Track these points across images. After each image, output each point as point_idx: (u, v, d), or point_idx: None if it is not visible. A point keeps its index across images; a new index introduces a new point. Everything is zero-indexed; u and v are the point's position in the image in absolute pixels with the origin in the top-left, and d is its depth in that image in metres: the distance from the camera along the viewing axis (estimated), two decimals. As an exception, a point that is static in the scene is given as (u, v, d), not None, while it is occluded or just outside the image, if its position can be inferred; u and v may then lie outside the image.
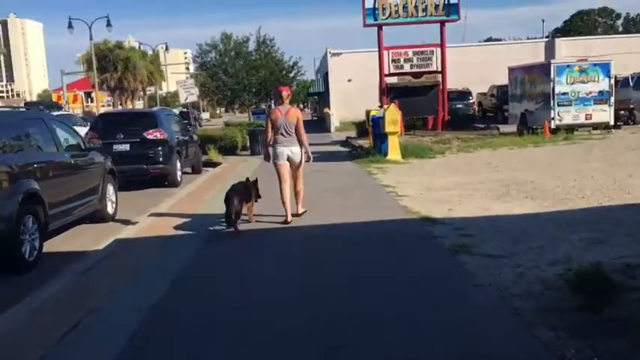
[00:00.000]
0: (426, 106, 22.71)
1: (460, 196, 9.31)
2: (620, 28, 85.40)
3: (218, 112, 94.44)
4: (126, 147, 13.04)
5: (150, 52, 61.19)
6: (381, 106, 21.81)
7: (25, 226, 6.71)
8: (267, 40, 37.65)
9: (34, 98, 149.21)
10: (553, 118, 19.32)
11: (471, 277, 5.12)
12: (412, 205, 8.75)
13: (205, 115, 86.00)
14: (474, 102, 34.06)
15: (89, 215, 9.13)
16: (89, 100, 57.60)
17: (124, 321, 4.54)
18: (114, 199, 9.86)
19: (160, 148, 13.22)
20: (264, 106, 46.98)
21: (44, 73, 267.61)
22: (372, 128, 17.18)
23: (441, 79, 23.36)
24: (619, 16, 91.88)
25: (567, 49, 37.71)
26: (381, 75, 22.81)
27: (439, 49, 22.76)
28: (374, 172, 13.02)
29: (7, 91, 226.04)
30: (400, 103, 16.86)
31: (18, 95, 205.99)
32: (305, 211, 8.30)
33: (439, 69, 22.93)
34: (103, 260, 6.63)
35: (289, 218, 7.87)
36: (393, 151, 15.14)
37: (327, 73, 40.80)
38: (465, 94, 32.73)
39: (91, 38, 43.45)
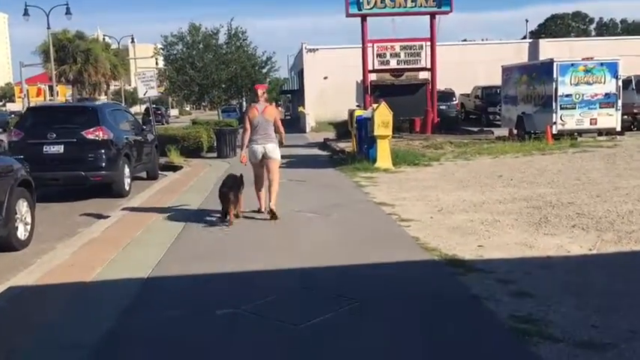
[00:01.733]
0: (414, 107, 20.56)
1: (484, 223, 7.14)
2: (593, 33, 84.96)
3: (188, 109, 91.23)
4: (59, 148, 10.59)
5: (115, 46, 57.89)
6: (360, 106, 19.71)
7: None
8: (240, 33, 35.02)
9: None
10: (555, 123, 17.41)
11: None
12: (425, 236, 6.56)
13: (174, 112, 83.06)
14: (457, 103, 32.24)
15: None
16: (53, 94, 54.31)
17: None
18: (28, 220, 7.46)
19: (102, 151, 10.79)
20: (234, 104, 44.44)
21: (9, 66, 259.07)
22: (356, 130, 15.02)
23: (430, 78, 21.25)
24: (592, 21, 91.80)
25: (552, 49, 36.14)
26: (365, 71, 20.59)
27: (429, 44, 20.65)
28: (363, 184, 10.80)
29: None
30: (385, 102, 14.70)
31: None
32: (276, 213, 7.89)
33: (428, 66, 20.82)
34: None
35: (263, 208, 8.10)
36: (383, 157, 12.98)
37: (301, 70, 38.47)
38: (448, 95, 30.82)
39: (48, 27, 40.29)
